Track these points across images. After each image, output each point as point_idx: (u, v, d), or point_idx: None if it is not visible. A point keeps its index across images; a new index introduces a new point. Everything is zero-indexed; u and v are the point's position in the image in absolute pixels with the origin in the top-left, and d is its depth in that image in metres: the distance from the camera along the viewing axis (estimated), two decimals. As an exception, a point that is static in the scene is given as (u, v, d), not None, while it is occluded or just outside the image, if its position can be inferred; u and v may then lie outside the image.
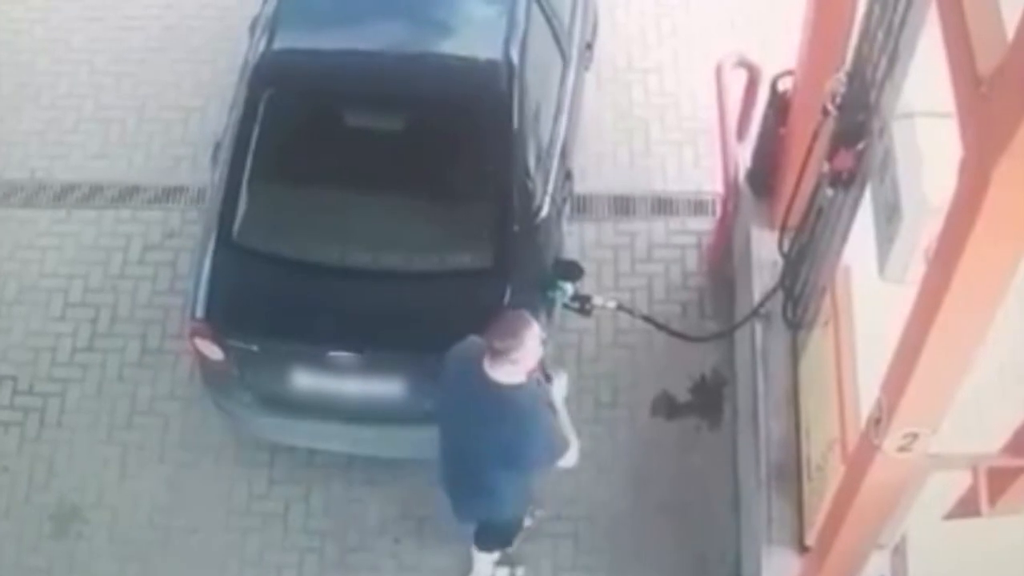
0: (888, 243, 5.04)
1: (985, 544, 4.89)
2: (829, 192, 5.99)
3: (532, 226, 6.91)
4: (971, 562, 4.86)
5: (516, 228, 6.75)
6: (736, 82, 7.60)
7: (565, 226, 7.70)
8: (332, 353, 6.69)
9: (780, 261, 6.90)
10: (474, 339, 5.65)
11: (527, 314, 5.61)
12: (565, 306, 7.08)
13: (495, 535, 6.52)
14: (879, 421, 4.54)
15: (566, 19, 7.85)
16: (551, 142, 7.31)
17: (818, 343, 6.38)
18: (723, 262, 7.95)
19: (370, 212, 6.78)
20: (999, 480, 4.92)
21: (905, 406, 4.37)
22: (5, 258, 8.29)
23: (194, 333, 6.76)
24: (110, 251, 8.29)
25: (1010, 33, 3.30)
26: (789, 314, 6.85)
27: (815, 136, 6.15)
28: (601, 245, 8.21)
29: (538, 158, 7.06)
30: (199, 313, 6.72)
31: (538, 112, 7.15)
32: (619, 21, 9.25)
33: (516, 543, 6.72)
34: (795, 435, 6.60)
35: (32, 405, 7.71)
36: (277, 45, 7.03)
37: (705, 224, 8.26)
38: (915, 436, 4.49)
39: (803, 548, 6.29)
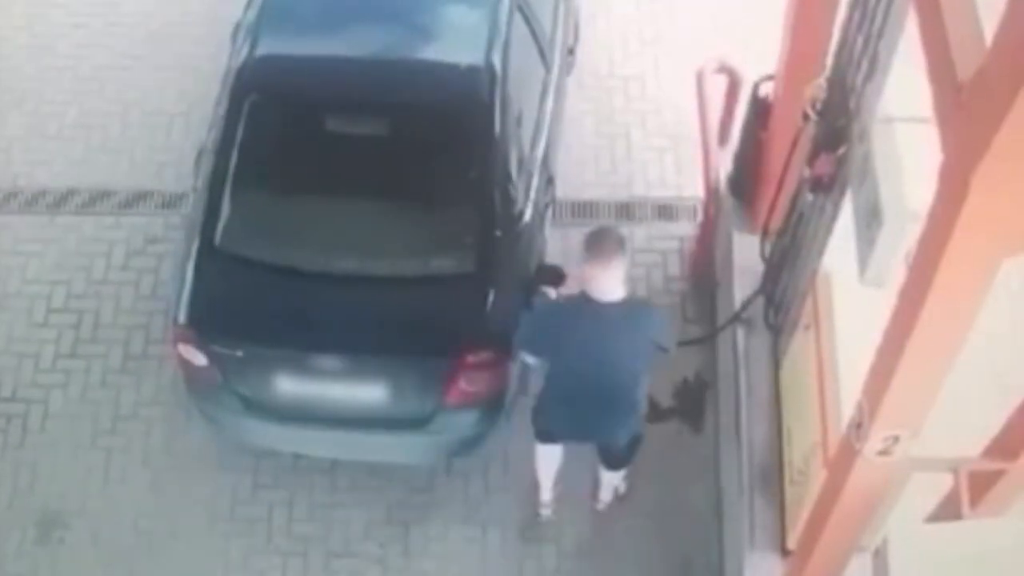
0: (868, 247, 5.07)
1: (966, 547, 4.90)
2: (810, 197, 6.03)
3: (514, 231, 6.92)
4: (952, 565, 4.87)
5: (498, 233, 6.75)
6: (717, 88, 7.63)
7: (547, 231, 7.72)
8: (316, 358, 6.68)
9: (761, 265, 6.93)
10: (546, 291, 6.62)
11: (613, 230, 6.30)
12: (548, 311, 7.09)
13: (631, 449, 6.72)
14: (860, 424, 4.54)
15: (548, 25, 7.87)
16: (533, 148, 7.32)
17: (799, 347, 6.40)
18: (705, 267, 7.96)
19: (353, 217, 6.78)
20: (980, 483, 4.96)
21: (886, 409, 4.37)
22: (-13, 264, 8.28)
23: (177, 339, 6.76)
24: (93, 257, 8.29)
25: (989, 39, 3.32)
26: (771, 318, 6.88)
27: (796, 141, 6.18)
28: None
29: (520, 163, 7.06)
30: (182, 319, 6.71)
31: (520, 118, 7.15)
32: (601, 27, 9.29)
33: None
34: (777, 439, 6.61)
35: (15, 411, 7.70)
36: (259, 51, 7.01)
37: (687, 229, 8.30)
38: (896, 439, 4.51)
39: (785, 551, 6.30)
